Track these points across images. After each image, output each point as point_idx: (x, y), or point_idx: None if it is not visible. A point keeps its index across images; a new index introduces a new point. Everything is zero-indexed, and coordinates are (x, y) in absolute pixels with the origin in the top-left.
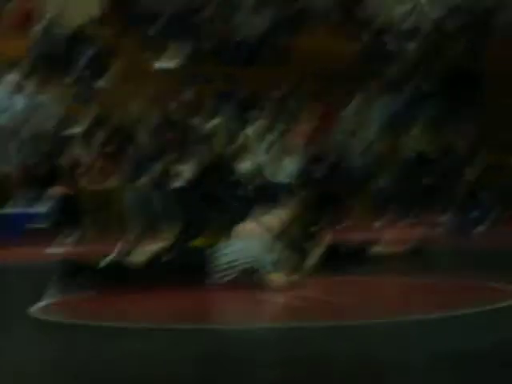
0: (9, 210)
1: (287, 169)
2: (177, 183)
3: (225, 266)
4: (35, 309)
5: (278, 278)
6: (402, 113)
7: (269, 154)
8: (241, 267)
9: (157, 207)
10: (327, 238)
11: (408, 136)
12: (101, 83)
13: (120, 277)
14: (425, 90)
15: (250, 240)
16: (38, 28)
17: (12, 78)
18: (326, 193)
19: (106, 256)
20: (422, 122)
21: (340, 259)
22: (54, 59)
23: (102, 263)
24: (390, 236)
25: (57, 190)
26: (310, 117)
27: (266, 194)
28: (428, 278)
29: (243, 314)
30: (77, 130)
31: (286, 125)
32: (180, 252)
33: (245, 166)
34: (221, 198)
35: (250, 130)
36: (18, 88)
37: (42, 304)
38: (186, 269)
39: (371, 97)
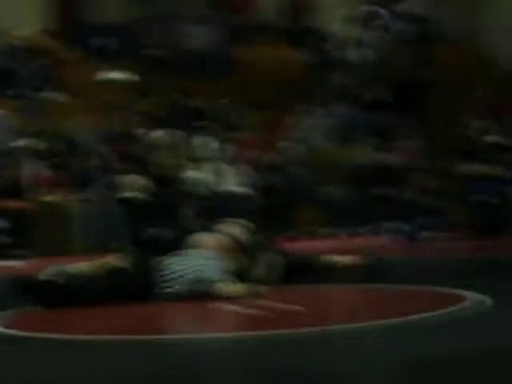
0: None
1: (235, 180)
2: (125, 195)
3: (174, 277)
4: None
5: (229, 287)
6: (350, 122)
7: (216, 165)
8: (191, 277)
9: (105, 220)
10: (277, 248)
11: (356, 145)
12: (47, 95)
13: (64, 293)
14: (373, 98)
15: (200, 250)
16: None
17: None
18: (274, 202)
19: (47, 271)
20: (369, 131)
21: (292, 269)
22: None
23: (42, 278)
24: (339, 245)
25: (6, 205)
26: (258, 127)
27: (215, 205)
28: (380, 287)
29: (193, 325)
30: (23, 142)
31: (233, 135)
32: (128, 266)
33: (191, 177)
34: (169, 210)
35: (196, 141)
36: None
37: None
38: (134, 282)
39: (319, 106)
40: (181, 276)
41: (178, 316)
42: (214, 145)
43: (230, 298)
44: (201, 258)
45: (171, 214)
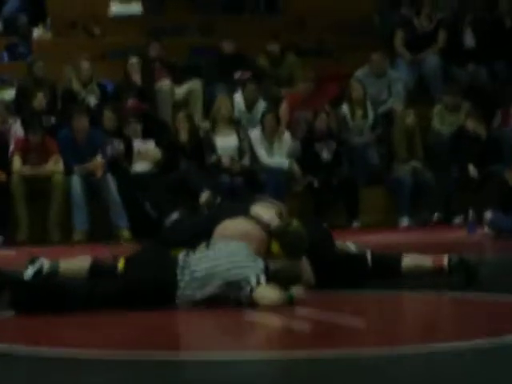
0: None
1: (283, 148)
2: (140, 165)
3: (201, 275)
4: None
5: (270, 291)
6: (436, 77)
7: (259, 129)
8: (222, 277)
9: (112, 196)
10: (338, 240)
11: (443, 108)
12: (39, 32)
13: (54, 293)
14: (465, 48)
15: (234, 242)
16: None
17: None
18: (332, 180)
19: (34, 262)
20: (460, 90)
21: (354, 269)
22: None
23: (28, 273)
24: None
25: None
26: (311, 81)
27: (257, 181)
28: (468, 295)
29: (223, 341)
30: (9, 93)
31: (280, 91)
32: (139, 257)
33: (228, 143)
34: (193, 188)
35: (235, 96)
36: None
37: None
38: (148, 281)
39: (394, 55)
40: (209, 276)
41: (204, 328)
42: (255, 103)
43: (270, 306)
44: (233, 254)
45: (195, 193)
